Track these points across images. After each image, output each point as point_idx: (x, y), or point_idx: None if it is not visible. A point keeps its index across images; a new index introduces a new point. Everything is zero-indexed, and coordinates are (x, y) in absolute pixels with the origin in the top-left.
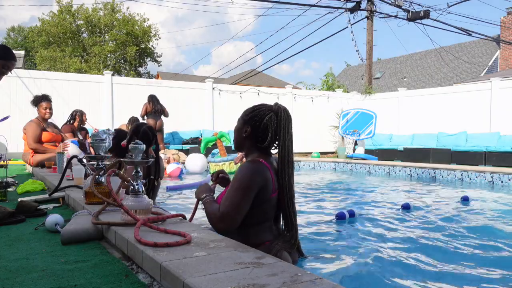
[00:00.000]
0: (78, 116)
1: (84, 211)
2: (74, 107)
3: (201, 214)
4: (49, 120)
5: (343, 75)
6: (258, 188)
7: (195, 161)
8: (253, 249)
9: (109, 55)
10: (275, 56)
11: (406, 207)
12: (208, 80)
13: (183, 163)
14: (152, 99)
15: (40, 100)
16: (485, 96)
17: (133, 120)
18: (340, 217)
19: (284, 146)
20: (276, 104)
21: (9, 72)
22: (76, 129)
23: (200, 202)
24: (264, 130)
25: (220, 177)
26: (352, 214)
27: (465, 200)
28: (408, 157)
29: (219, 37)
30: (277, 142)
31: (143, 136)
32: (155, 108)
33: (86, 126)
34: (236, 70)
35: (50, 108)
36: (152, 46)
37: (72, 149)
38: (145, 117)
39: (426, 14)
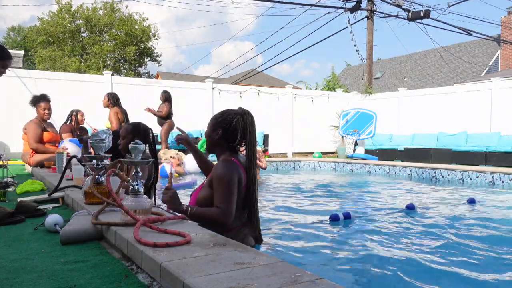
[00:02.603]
0: (74, 116)
1: (84, 211)
2: (73, 107)
3: None
4: (48, 120)
5: (343, 75)
6: (237, 182)
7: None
8: (253, 249)
9: (108, 55)
10: (275, 56)
11: (410, 208)
12: (208, 80)
13: (182, 164)
14: (169, 97)
15: (39, 101)
16: (485, 96)
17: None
18: (333, 219)
19: (250, 144)
20: (241, 108)
21: (7, 70)
22: (74, 128)
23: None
24: (233, 130)
25: (184, 139)
26: (347, 215)
27: (471, 202)
28: (408, 157)
29: (219, 37)
30: (244, 141)
31: (145, 135)
32: (172, 108)
33: (86, 126)
34: (236, 70)
35: (49, 109)
36: (151, 45)
37: (71, 148)
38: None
39: (427, 14)
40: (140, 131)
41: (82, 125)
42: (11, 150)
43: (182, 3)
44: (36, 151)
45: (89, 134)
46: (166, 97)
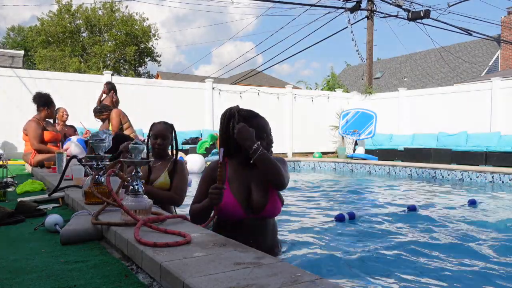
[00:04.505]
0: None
1: (84, 211)
2: (73, 107)
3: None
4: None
5: (343, 75)
6: None
7: (194, 161)
8: (253, 249)
9: (108, 55)
10: (275, 56)
11: (412, 209)
12: (208, 80)
13: None
14: (115, 89)
15: (52, 102)
16: (485, 96)
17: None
18: (339, 219)
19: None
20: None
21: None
22: (62, 126)
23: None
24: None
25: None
26: (352, 216)
27: (472, 203)
28: (408, 157)
29: (219, 37)
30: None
31: (175, 134)
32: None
33: (79, 126)
34: (236, 70)
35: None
36: (151, 46)
37: (73, 149)
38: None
39: (427, 14)
40: (174, 130)
41: (65, 122)
42: (18, 150)
43: (183, 3)
44: (39, 151)
45: (80, 134)
46: (111, 88)
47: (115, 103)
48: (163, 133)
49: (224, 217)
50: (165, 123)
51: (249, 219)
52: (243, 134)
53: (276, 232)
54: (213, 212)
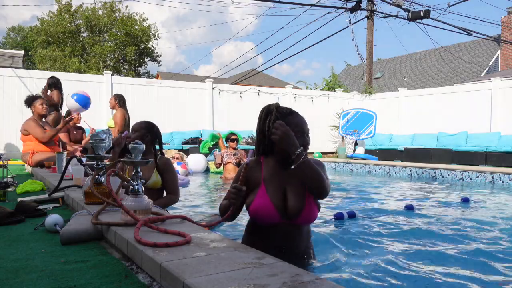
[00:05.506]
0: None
1: (84, 211)
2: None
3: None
4: (43, 120)
5: (343, 75)
6: None
7: (198, 161)
8: (253, 249)
9: (108, 55)
10: (275, 56)
11: (409, 208)
12: (208, 80)
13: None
14: (59, 83)
15: (34, 99)
16: (485, 96)
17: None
18: (338, 218)
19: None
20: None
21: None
22: (70, 127)
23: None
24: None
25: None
26: (352, 215)
27: (465, 201)
28: (408, 157)
29: (219, 37)
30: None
31: (158, 134)
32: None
33: (84, 125)
34: (236, 70)
35: (46, 104)
36: (152, 46)
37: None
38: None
39: (427, 14)
40: (153, 128)
41: (79, 124)
42: (19, 150)
43: (183, 3)
44: (49, 140)
45: (87, 134)
46: (53, 83)
47: (56, 100)
48: (134, 127)
49: (258, 220)
50: (145, 121)
51: (283, 224)
52: (287, 139)
53: (310, 238)
54: (230, 210)
